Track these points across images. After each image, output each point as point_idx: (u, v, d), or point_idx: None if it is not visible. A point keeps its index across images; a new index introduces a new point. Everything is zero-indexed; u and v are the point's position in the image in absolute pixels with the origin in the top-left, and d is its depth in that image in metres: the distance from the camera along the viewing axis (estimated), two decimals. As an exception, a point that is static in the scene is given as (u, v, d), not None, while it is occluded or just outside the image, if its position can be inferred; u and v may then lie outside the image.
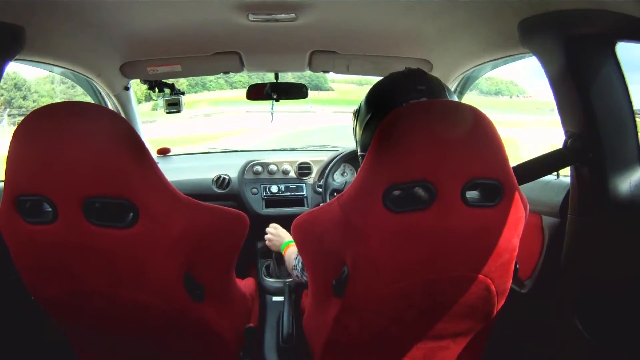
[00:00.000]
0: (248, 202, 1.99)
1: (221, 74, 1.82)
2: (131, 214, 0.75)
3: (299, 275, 1.21)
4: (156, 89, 1.84)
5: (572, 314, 1.03)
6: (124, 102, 1.83)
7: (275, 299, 1.75)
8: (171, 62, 1.60)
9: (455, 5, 1.10)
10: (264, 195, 2.00)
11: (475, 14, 1.13)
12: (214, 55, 1.56)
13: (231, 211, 0.91)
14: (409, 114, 0.76)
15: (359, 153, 1.00)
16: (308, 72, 1.83)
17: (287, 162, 2.08)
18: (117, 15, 1.17)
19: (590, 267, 1.00)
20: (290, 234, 0.95)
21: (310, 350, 1.06)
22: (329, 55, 1.59)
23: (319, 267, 0.92)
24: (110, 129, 0.74)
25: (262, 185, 2.02)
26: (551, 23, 0.92)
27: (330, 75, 1.84)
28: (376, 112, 0.92)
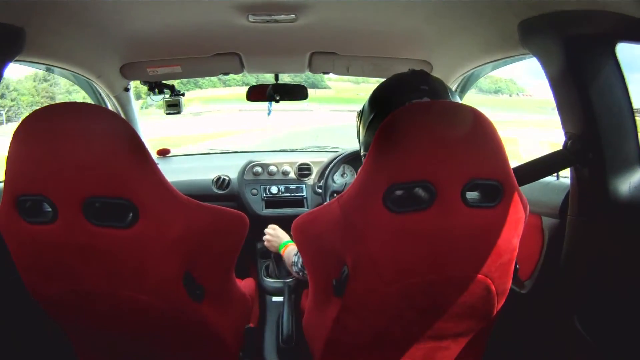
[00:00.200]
0: (248, 202, 1.99)
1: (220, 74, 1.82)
2: (131, 214, 0.75)
3: (298, 271, 1.21)
4: (156, 90, 1.84)
5: (571, 314, 1.03)
6: (124, 103, 1.83)
7: (275, 299, 1.75)
8: (171, 63, 1.60)
9: (455, 6, 1.10)
10: (264, 196, 2.00)
11: (475, 15, 1.13)
12: (214, 57, 1.56)
13: (231, 212, 0.91)
14: (409, 115, 0.76)
15: (362, 153, 1.00)
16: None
17: (287, 163, 2.08)
18: (117, 16, 1.17)
19: (590, 267, 1.00)
20: (290, 235, 0.96)
21: (310, 351, 1.06)
22: (329, 57, 1.59)
23: (319, 267, 0.92)
24: (110, 129, 0.74)
25: (262, 186, 2.02)
26: (551, 24, 0.93)
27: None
28: (379, 113, 0.92)
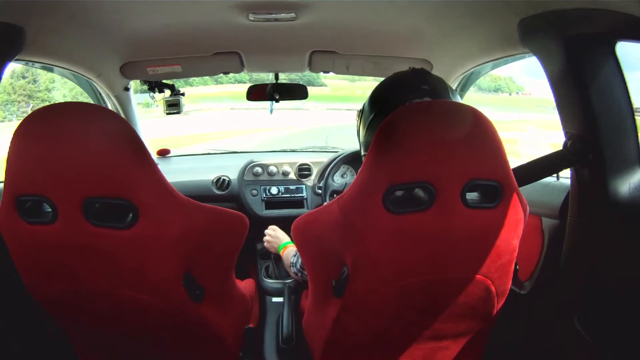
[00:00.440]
0: (248, 203, 1.99)
1: (221, 73, 1.82)
2: (131, 215, 0.75)
3: (297, 272, 1.21)
4: (156, 90, 1.84)
5: (571, 315, 1.03)
6: (124, 103, 1.83)
7: (275, 299, 1.75)
8: (171, 62, 1.60)
9: (455, 6, 1.10)
10: (264, 197, 2.00)
11: (476, 14, 1.13)
12: (214, 56, 1.56)
13: (231, 212, 0.91)
14: (409, 115, 0.76)
15: (362, 153, 1.00)
16: (300, 67, 1.82)
17: (287, 163, 2.08)
18: (117, 15, 1.17)
19: (590, 268, 1.00)
20: (290, 236, 0.96)
21: (310, 351, 1.06)
22: (329, 56, 1.59)
23: (318, 267, 0.92)
24: (110, 129, 0.74)
25: (262, 187, 2.01)
26: (551, 23, 0.92)
27: (323, 71, 1.83)
28: (379, 112, 0.92)
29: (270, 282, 1.82)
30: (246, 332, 1.09)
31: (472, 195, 0.79)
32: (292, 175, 2.06)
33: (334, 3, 1.12)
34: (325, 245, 0.86)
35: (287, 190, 2.02)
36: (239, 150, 2.54)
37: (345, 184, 1.92)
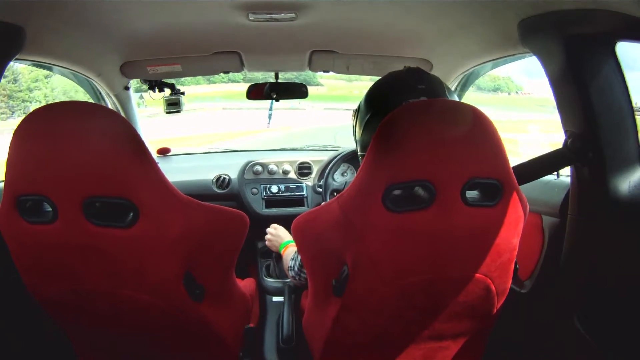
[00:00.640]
0: (248, 202, 1.99)
1: (221, 73, 1.82)
2: (131, 214, 0.75)
3: (295, 275, 1.20)
4: (156, 89, 1.84)
5: (571, 314, 1.03)
6: (124, 102, 1.83)
7: (275, 299, 1.75)
8: (171, 61, 1.59)
9: (455, 5, 1.10)
10: (264, 195, 2.00)
11: (476, 14, 1.13)
12: (214, 55, 1.56)
13: (231, 211, 0.91)
14: (409, 114, 0.76)
15: (359, 153, 1.00)
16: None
17: (287, 162, 2.08)
18: (117, 15, 1.17)
19: (590, 267, 1.00)
20: (292, 233, 0.96)
21: (310, 350, 1.06)
22: (328, 55, 1.59)
23: (318, 266, 0.92)
24: (110, 128, 0.74)
25: (262, 185, 2.01)
26: (551, 23, 0.92)
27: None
28: (376, 112, 0.92)
29: (270, 282, 1.82)
30: (246, 332, 1.09)
31: (472, 194, 0.79)
32: (292, 174, 2.06)
33: (334, 3, 1.12)
34: (325, 244, 0.86)
35: (287, 189, 2.02)
36: (239, 149, 2.54)
37: (346, 182, 1.92)
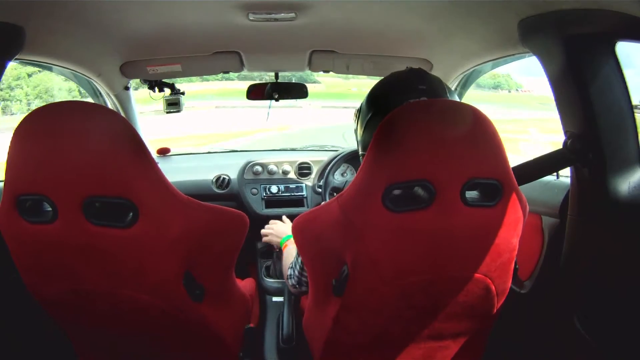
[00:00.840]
0: (248, 202, 1.99)
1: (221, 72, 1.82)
2: (131, 214, 0.75)
3: (295, 284, 1.13)
4: (156, 89, 1.84)
5: (571, 314, 1.03)
6: (124, 102, 1.83)
7: (275, 299, 1.75)
8: (171, 61, 1.60)
9: (455, 5, 1.10)
10: (264, 196, 2.00)
11: (475, 14, 1.13)
12: (214, 55, 1.56)
13: (231, 211, 0.91)
14: (409, 114, 0.76)
15: (360, 153, 1.00)
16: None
17: (287, 162, 2.08)
18: (117, 15, 1.17)
19: (590, 267, 1.00)
20: (292, 233, 0.95)
21: (310, 350, 1.06)
22: (328, 55, 1.59)
23: (318, 266, 0.92)
24: (110, 128, 0.74)
25: (262, 186, 2.02)
26: (551, 22, 0.92)
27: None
28: (377, 112, 0.92)
29: (270, 282, 1.82)
30: (246, 332, 1.09)
31: (471, 194, 0.79)
32: (292, 174, 2.06)
33: (333, 3, 1.12)
34: (325, 244, 0.86)
35: (287, 189, 2.02)
36: (239, 149, 2.54)
37: (346, 182, 1.92)
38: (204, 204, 0.85)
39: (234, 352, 1.03)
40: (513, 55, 1.22)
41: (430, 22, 1.25)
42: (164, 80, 1.83)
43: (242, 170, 2.03)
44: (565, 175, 1.12)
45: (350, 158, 1.93)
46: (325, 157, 2.03)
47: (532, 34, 1.00)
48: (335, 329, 0.90)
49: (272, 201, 2.01)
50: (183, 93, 1.93)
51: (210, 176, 2.03)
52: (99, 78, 1.59)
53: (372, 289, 0.82)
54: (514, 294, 0.98)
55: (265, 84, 1.89)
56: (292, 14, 1.15)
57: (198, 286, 0.86)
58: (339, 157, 1.90)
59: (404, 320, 0.89)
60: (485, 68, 1.57)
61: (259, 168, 2.04)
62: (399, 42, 1.46)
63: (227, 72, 1.80)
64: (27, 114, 0.74)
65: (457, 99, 0.92)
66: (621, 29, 0.84)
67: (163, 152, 2.24)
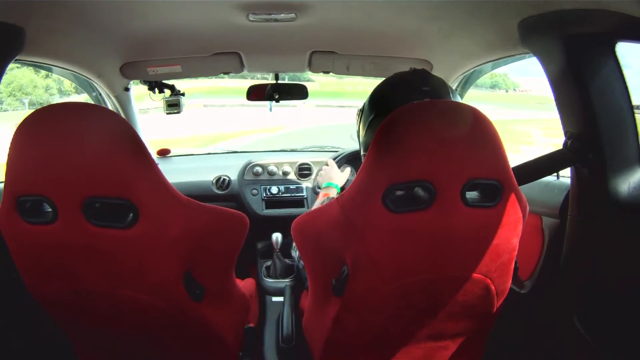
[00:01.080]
0: (248, 203, 1.99)
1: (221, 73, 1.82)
2: (131, 215, 0.75)
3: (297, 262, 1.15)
4: (156, 90, 1.84)
5: (571, 314, 1.03)
6: (124, 103, 1.84)
7: (275, 299, 1.75)
8: (171, 62, 1.60)
9: (455, 6, 1.10)
10: (264, 196, 2.01)
11: (476, 14, 1.13)
12: (214, 56, 1.56)
13: (231, 212, 0.91)
14: (409, 114, 0.76)
15: (361, 153, 1.00)
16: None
17: (287, 163, 2.08)
18: (117, 15, 1.17)
19: (590, 267, 1.00)
20: (292, 234, 0.95)
21: (310, 350, 1.06)
22: (329, 56, 1.59)
23: (318, 266, 0.92)
24: (110, 129, 0.74)
25: (262, 186, 2.02)
26: (551, 23, 0.92)
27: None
28: (379, 113, 0.92)
29: (270, 282, 1.82)
30: (246, 332, 1.09)
31: (471, 194, 0.79)
32: (292, 175, 2.07)
33: (333, 3, 1.12)
34: (325, 244, 0.86)
35: (287, 190, 2.02)
36: (239, 150, 2.54)
37: (347, 183, 1.92)
38: (204, 204, 0.85)
39: (234, 352, 1.03)
40: (513, 55, 1.22)
41: (431, 22, 1.25)
42: (163, 81, 1.83)
43: (242, 171, 2.03)
44: (565, 175, 1.12)
45: (352, 159, 1.93)
46: (325, 157, 2.04)
47: (532, 34, 1.00)
48: (335, 329, 0.90)
49: (272, 202, 2.01)
50: (183, 94, 1.93)
51: (211, 177, 2.03)
52: (99, 79, 1.59)
53: (372, 289, 0.82)
54: (514, 294, 0.98)
55: (265, 85, 1.89)
56: (292, 15, 1.15)
57: (198, 286, 0.86)
58: (339, 158, 1.90)
59: (404, 320, 0.89)
60: (486, 68, 1.57)
61: (259, 169, 2.04)
62: (399, 42, 1.46)
63: (227, 73, 1.79)
64: (27, 114, 0.74)
65: (459, 100, 0.92)
66: (621, 29, 0.84)
67: (163, 153, 2.24)
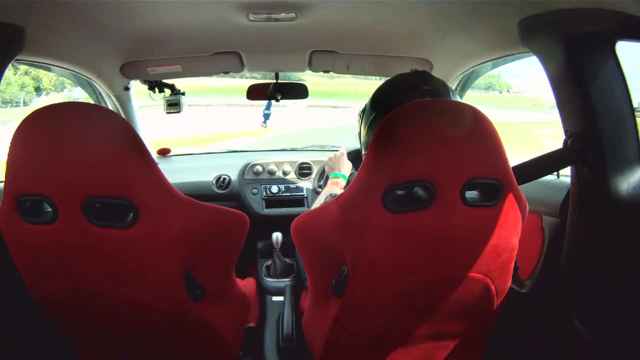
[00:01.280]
0: (248, 202, 1.99)
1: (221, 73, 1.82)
2: (131, 214, 0.75)
3: None
4: (156, 89, 1.84)
5: (572, 314, 1.03)
6: (124, 103, 1.84)
7: (275, 299, 1.75)
8: (171, 62, 1.60)
9: (455, 5, 1.10)
10: (264, 196, 2.01)
11: (475, 14, 1.13)
12: (214, 55, 1.56)
13: (231, 211, 0.91)
14: (409, 114, 0.76)
15: (363, 153, 1.00)
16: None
17: (288, 162, 2.08)
18: (117, 15, 1.17)
19: (590, 267, 1.00)
20: (292, 233, 0.96)
21: (310, 350, 1.06)
22: (329, 55, 1.59)
23: (318, 267, 0.92)
24: (110, 129, 0.74)
25: (262, 186, 2.02)
26: (551, 22, 0.92)
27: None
28: (380, 112, 0.92)
29: (270, 281, 1.82)
30: (246, 332, 1.09)
31: (471, 194, 0.79)
32: (292, 175, 2.07)
33: (334, 3, 1.12)
34: (325, 244, 0.86)
35: (287, 189, 2.03)
36: (239, 150, 2.54)
37: (348, 180, 1.92)
38: (204, 204, 0.85)
39: (234, 351, 1.03)
40: (513, 55, 1.22)
41: (431, 22, 1.25)
42: (163, 80, 1.83)
43: (243, 171, 2.03)
44: (565, 174, 1.12)
45: (352, 159, 1.93)
46: (325, 157, 2.03)
47: (532, 33, 1.00)
48: (335, 329, 0.90)
49: (273, 201, 2.01)
50: (183, 93, 1.93)
51: (211, 176, 2.03)
52: (99, 79, 1.60)
53: (372, 289, 0.82)
54: (514, 294, 0.98)
55: (266, 84, 1.89)
56: (292, 14, 1.15)
57: (198, 286, 0.86)
58: (351, 149, 1.90)
59: (404, 320, 0.89)
60: (485, 68, 1.57)
61: (259, 168, 2.04)
62: (399, 42, 1.46)
63: (227, 73, 1.79)
64: (27, 114, 0.74)
65: (459, 99, 0.92)
66: (621, 29, 0.84)
67: (163, 152, 2.24)
